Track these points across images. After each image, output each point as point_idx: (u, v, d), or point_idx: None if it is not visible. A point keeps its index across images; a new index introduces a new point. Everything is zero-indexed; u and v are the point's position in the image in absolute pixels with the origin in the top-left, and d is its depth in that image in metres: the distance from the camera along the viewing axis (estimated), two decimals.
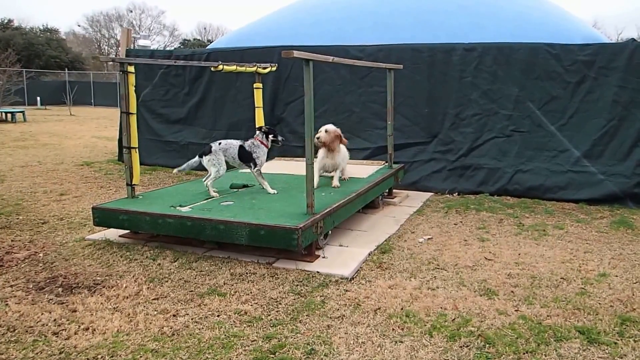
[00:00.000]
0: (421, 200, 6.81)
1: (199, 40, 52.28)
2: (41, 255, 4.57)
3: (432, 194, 7.23)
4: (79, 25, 65.48)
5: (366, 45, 7.96)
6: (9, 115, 20.40)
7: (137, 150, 5.23)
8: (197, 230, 4.42)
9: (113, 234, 5.07)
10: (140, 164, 9.10)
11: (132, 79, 5.03)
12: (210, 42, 50.93)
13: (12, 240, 4.99)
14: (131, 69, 5.00)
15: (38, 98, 31.22)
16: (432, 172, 7.51)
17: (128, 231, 5.05)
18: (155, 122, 9.35)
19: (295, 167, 7.07)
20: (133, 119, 5.11)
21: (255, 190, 5.58)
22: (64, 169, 9.18)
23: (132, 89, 5.05)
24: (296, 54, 4.03)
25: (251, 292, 3.76)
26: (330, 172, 5.88)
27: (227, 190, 5.58)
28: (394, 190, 6.93)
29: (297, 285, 3.90)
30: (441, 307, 3.52)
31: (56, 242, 4.93)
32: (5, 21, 44.99)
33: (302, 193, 5.19)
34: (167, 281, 3.96)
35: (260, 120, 7.36)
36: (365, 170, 6.63)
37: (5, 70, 22.88)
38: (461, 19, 8.81)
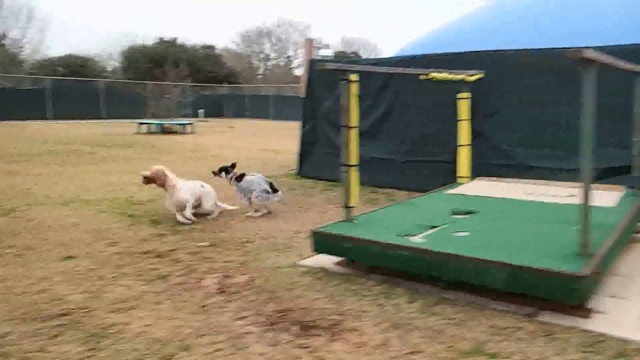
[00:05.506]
0: None
1: (343, 52, 53.02)
2: (259, 281, 4.22)
3: None
4: (232, 42, 70.30)
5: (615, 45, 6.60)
6: (181, 127, 22.00)
7: (357, 168, 4.73)
8: (437, 268, 3.73)
9: (326, 261, 4.60)
10: (321, 179, 8.94)
11: (354, 88, 4.55)
12: (355, 54, 51.53)
13: (224, 261, 4.75)
14: (354, 77, 4.52)
15: (201, 111, 33.66)
16: None
17: (342, 258, 4.55)
18: (337, 135, 9.00)
19: (506, 190, 6.15)
20: (354, 133, 4.62)
21: (482, 217, 4.79)
22: None
23: (354, 100, 4.57)
24: (588, 54, 3.17)
25: (528, 357, 2.96)
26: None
27: (446, 216, 4.86)
28: None
29: (587, 352, 3.02)
30: None
31: (268, 267, 4.58)
32: (171, 40, 49.55)
33: (538, 225, 4.33)
34: (414, 330, 3.32)
35: (465, 135, 6.58)
36: (601, 197, 5.49)
37: (178, 85, 24.79)
38: None
